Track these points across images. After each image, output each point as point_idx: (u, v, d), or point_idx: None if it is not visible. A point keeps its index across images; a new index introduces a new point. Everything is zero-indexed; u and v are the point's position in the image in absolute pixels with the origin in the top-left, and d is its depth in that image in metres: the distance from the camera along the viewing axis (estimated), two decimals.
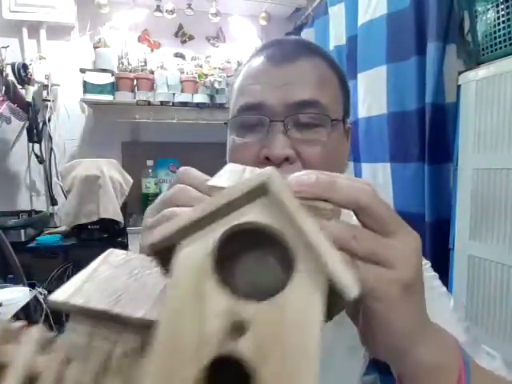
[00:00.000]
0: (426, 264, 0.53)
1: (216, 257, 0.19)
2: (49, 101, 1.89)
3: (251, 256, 0.20)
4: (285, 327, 0.17)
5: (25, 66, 1.75)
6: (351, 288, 0.17)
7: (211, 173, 0.27)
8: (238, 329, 0.17)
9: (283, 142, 0.42)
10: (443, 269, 1.19)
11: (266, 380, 0.16)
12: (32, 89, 1.78)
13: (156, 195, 1.99)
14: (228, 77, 1.95)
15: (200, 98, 1.89)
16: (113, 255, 0.29)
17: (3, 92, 1.60)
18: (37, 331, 0.22)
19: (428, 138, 1.18)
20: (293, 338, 0.17)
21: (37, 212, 1.87)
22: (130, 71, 1.86)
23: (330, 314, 0.19)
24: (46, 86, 1.87)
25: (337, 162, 0.47)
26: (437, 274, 0.53)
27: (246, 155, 0.44)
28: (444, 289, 0.50)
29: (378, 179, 1.44)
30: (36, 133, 1.84)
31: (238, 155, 0.46)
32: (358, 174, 1.62)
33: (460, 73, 1.13)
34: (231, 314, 0.17)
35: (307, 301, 0.17)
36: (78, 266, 1.80)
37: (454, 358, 0.25)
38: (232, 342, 0.17)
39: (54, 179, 1.95)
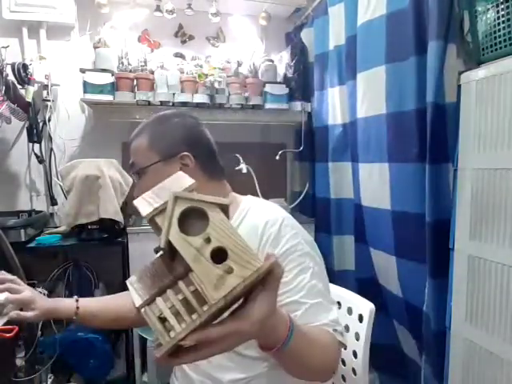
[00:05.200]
0: (287, 226, 0.75)
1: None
2: (49, 101, 1.89)
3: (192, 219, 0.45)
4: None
5: (25, 66, 1.75)
6: None
7: None
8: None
9: (138, 186, 0.84)
10: (443, 269, 1.19)
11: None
12: (32, 89, 1.77)
13: None
14: (228, 77, 1.95)
15: (200, 98, 1.88)
16: None
17: (3, 92, 1.60)
18: None
19: (428, 137, 1.18)
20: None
21: (37, 212, 1.87)
22: (130, 71, 1.86)
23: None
24: (46, 86, 1.86)
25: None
26: (299, 240, 0.74)
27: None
28: (299, 267, 0.71)
29: (375, 179, 1.44)
30: (36, 133, 1.84)
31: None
32: (355, 174, 1.62)
33: (460, 73, 1.13)
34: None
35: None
36: (78, 266, 1.81)
37: (285, 321, 0.53)
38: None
39: (54, 179, 1.95)
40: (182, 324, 0.40)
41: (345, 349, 1.02)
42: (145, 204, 0.46)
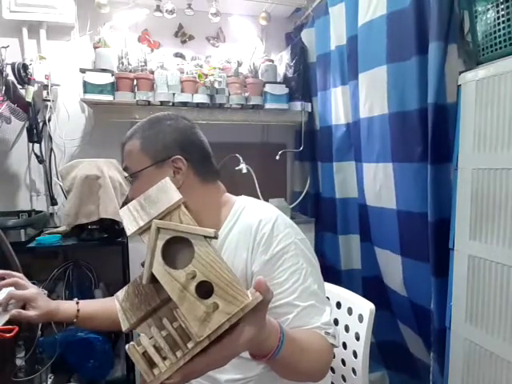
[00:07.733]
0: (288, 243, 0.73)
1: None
2: (49, 101, 1.89)
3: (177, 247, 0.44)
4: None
5: (25, 66, 1.75)
6: None
7: None
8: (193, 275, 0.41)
9: (131, 190, 0.83)
10: (443, 269, 1.20)
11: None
12: (32, 89, 1.77)
13: None
14: (228, 77, 1.95)
15: (200, 98, 1.88)
16: None
17: (3, 92, 1.60)
18: None
19: (429, 137, 1.18)
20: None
21: (37, 212, 1.87)
22: (130, 71, 1.86)
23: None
24: (46, 86, 1.86)
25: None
26: (298, 253, 0.73)
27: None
28: (293, 268, 0.71)
29: (379, 179, 1.44)
30: (36, 133, 1.83)
31: None
32: (359, 174, 1.62)
33: (460, 73, 1.13)
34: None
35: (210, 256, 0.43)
36: (78, 265, 1.80)
37: (276, 331, 0.53)
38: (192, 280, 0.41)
39: (54, 179, 1.95)
40: (166, 361, 0.41)
41: (344, 348, 1.02)
42: (130, 219, 0.46)
